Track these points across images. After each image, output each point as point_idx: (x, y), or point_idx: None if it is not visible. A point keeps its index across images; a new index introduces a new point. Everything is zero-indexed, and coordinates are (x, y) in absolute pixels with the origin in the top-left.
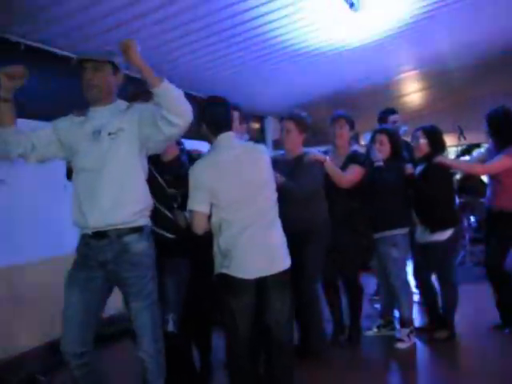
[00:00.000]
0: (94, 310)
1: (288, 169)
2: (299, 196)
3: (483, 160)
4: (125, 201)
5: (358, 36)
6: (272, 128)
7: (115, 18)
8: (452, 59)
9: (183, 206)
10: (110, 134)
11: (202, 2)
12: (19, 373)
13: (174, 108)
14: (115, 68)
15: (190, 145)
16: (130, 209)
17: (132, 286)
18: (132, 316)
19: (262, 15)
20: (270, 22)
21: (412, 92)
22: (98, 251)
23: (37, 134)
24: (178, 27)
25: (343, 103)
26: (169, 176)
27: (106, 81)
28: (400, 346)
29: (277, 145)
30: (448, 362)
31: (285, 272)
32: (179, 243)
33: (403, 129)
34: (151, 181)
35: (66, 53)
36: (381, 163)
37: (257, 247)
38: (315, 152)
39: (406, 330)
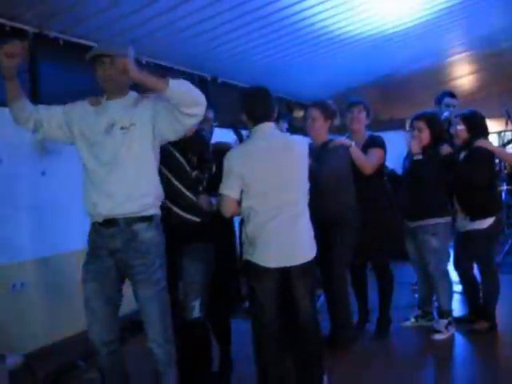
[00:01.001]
0: (113, 299)
1: (314, 156)
2: (326, 178)
3: None
4: (137, 195)
5: (404, 18)
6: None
7: (149, 10)
8: (504, 40)
9: (208, 189)
10: (122, 128)
11: None
12: (60, 359)
13: (189, 102)
14: None
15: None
16: (140, 201)
17: (139, 274)
18: (140, 305)
19: (306, 1)
20: (315, 9)
21: (463, 75)
22: (107, 239)
23: (48, 113)
24: (215, 16)
25: (391, 88)
26: (191, 155)
27: (121, 75)
28: (437, 337)
29: None
30: (487, 355)
31: (308, 263)
32: (204, 227)
33: (445, 114)
34: (172, 161)
35: None
36: (420, 157)
37: (281, 238)
38: (341, 138)
39: (445, 321)
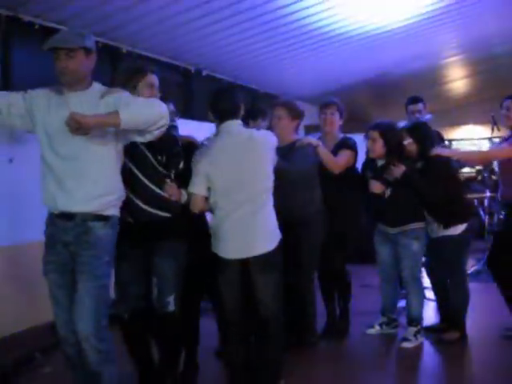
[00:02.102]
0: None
1: (282, 155)
2: (294, 177)
3: None
4: (96, 193)
5: (397, 17)
6: (306, 114)
7: None
8: (498, 45)
9: (183, 183)
10: None
11: None
12: (18, 351)
13: (148, 123)
14: (87, 51)
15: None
16: (99, 200)
17: (84, 265)
18: (76, 297)
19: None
20: (305, 3)
21: (456, 79)
22: (61, 231)
23: (6, 100)
24: (201, 5)
25: (384, 88)
26: (160, 154)
27: (79, 66)
28: (405, 345)
29: (309, 130)
30: (454, 366)
31: (266, 254)
32: (175, 223)
33: (426, 117)
34: (139, 157)
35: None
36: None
37: (239, 230)
38: (308, 137)
39: (414, 329)
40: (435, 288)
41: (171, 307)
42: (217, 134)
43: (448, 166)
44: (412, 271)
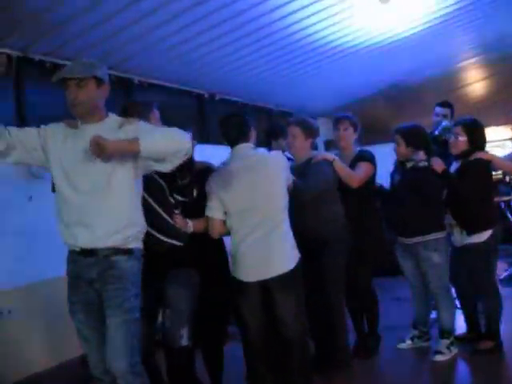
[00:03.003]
0: (104, 329)
1: (297, 174)
2: (308, 196)
3: None
4: (118, 227)
5: (408, 25)
6: (324, 129)
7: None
8: None
9: (191, 212)
10: None
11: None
12: None
13: (169, 152)
14: (100, 81)
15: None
16: (122, 234)
17: (112, 299)
18: (107, 334)
19: (303, 18)
20: (313, 21)
21: (474, 81)
22: (85, 268)
23: (21, 135)
24: (217, 39)
25: (401, 97)
26: (179, 178)
27: (90, 96)
28: (439, 358)
29: (329, 145)
30: (492, 377)
31: (285, 274)
32: (186, 252)
33: (443, 124)
34: (151, 184)
35: None
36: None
37: (256, 253)
38: (323, 153)
39: (447, 341)
40: (461, 298)
41: (184, 341)
42: (229, 158)
43: (487, 170)
44: (438, 283)
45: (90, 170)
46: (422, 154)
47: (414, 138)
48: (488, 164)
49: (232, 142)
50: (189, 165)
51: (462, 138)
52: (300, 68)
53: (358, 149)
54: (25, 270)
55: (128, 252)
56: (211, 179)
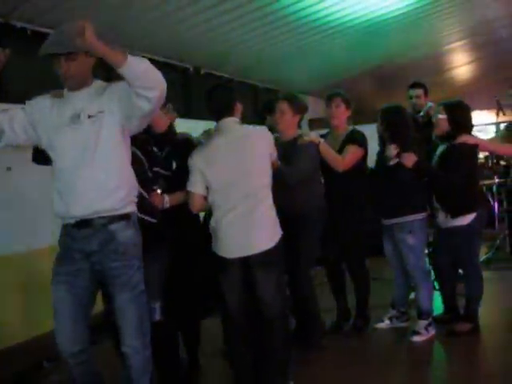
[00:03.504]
0: (84, 305)
1: (283, 151)
2: (292, 181)
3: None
4: (110, 187)
5: (397, 4)
6: (309, 107)
7: None
8: (503, 27)
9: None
10: (89, 116)
11: None
12: (26, 360)
13: (146, 82)
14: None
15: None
16: (116, 195)
17: (118, 277)
18: (117, 309)
19: None
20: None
21: (461, 65)
22: (82, 241)
23: (7, 117)
24: (196, 2)
25: (388, 77)
26: (160, 151)
27: (82, 68)
28: (416, 338)
29: (313, 124)
30: (467, 359)
31: (267, 252)
32: (159, 229)
33: (428, 105)
34: (137, 165)
35: None
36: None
37: (237, 229)
38: (310, 133)
39: (424, 322)
40: (440, 280)
41: (157, 316)
42: (214, 132)
43: (472, 154)
44: (415, 264)
45: (76, 136)
46: (393, 148)
47: (392, 127)
48: (473, 148)
49: (217, 116)
50: (168, 135)
51: (443, 117)
52: (286, 45)
53: (351, 128)
54: (3, 241)
55: (125, 217)
56: (194, 153)
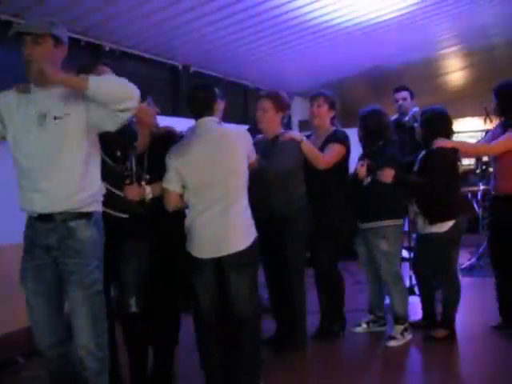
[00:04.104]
0: (54, 299)
1: (265, 149)
2: (271, 176)
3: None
4: (73, 189)
5: (391, 7)
6: (300, 108)
7: None
8: (496, 35)
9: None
10: (55, 118)
11: None
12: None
13: (116, 99)
14: (57, 41)
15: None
16: (78, 197)
17: (72, 274)
18: (70, 307)
19: None
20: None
21: (453, 70)
22: (42, 235)
23: None
24: (193, 8)
25: (378, 81)
26: (116, 149)
27: (46, 54)
28: (391, 343)
29: (303, 126)
30: (442, 365)
31: (240, 252)
32: (134, 224)
33: (413, 110)
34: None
35: None
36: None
37: (211, 229)
38: (292, 132)
39: (400, 327)
40: (420, 285)
41: (133, 308)
42: (192, 130)
43: (449, 159)
44: (388, 270)
45: (41, 135)
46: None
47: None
48: (451, 152)
49: (196, 115)
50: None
51: (420, 129)
52: (277, 45)
53: (334, 129)
54: None
55: (85, 216)
56: (171, 151)
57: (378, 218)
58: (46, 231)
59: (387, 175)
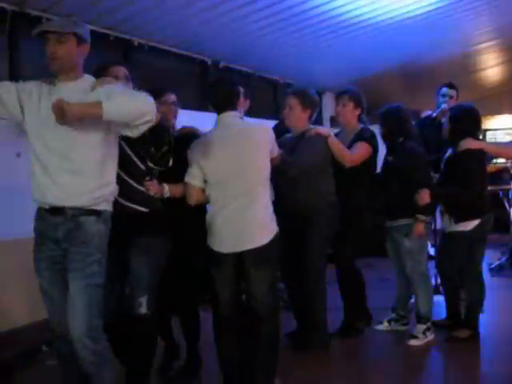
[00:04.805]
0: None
1: (291, 145)
2: (295, 172)
3: None
4: (88, 188)
5: (421, 1)
6: (330, 104)
7: None
8: None
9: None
10: None
11: None
12: (25, 343)
13: (131, 118)
14: (80, 39)
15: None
16: (93, 194)
17: (74, 262)
18: (68, 297)
19: None
20: None
21: (490, 66)
22: (51, 227)
23: None
24: (223, 3)
25: (412, 77)
26: (148, 146)
27: (69, 53)
28: (413, 342)
29: (334, 122)
30: (462, 365)
31: (260, 248)
32: (154, 219)
33: (443, 106)
34: (120, 156)
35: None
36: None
37: (232, 224)
38: (319, 127)
39: (422, 326)
40: (444, 283)
41: (143, 309)
42: (214, 126)
43: (478, 160)
44: (413, 268)
45: (61, 130)
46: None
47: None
48: (478, 154)
49: (218, 110)
50: (164, 134)
51: (448, 126)
52: (309, 39)
53: (361, 126)
54: (12, 226)
55: (96, 213)
56: (193, 146)
57: (402, 216)
58: (55, 224)
59: (424, 198)
